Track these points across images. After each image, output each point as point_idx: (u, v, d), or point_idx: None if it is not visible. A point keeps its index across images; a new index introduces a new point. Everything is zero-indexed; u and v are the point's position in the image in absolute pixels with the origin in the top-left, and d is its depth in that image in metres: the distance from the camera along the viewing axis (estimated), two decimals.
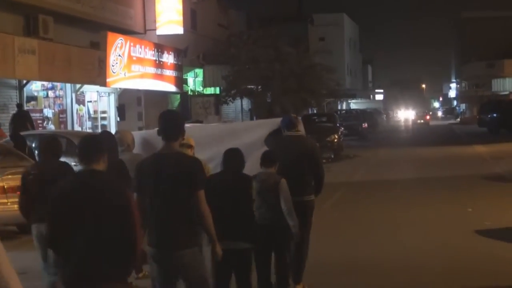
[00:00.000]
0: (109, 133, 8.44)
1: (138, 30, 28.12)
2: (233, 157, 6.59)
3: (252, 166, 7.45)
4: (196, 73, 36.03)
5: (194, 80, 36.42)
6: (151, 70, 25.91)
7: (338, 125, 32.71)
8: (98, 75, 21.36)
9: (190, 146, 7.41)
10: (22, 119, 20.46)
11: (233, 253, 6.26)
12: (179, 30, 29.08)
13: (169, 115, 6.02)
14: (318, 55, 41.43)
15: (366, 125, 45.80)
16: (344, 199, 15.75)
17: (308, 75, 34.74)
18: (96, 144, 4.70)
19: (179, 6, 28.89)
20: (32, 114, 21.72)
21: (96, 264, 4.32)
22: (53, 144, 7.44)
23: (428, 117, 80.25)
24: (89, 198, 4.37)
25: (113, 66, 22.24)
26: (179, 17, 28.94)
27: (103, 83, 21.98)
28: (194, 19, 35.09)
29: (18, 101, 20.72)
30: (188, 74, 35.58)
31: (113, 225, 4.34)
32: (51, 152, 7.28)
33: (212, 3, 38.21)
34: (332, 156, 28.55)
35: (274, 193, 7.08)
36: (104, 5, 24.91)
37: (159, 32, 28.90)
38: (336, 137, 29.94)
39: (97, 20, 24.38)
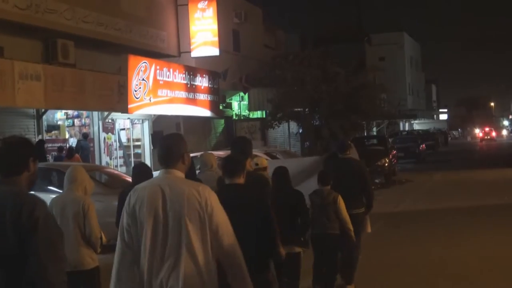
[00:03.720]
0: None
1: (172, 53, 26.74)
2: (284, 176, 7.77)
3: (310, 186, 9.11)
4: (242, 96, 34.47)
5: (239, 104, 34.86)
6: (182, 94, 24.34)
7: (389, 147, 30.57)
8: (118, 101, 19.87)
9: (265, 168, 7.91)
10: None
11: (288, 255, 6.89)
12: (214, 51, 27.53)
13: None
14: (377, 74, 39.42)
15: (424, 146, 43.39)
16: (378, 235, 13.64)
17: (358, 96, 32.65)
18: (238, 163, 5.67)
19: (214, 27, 27.36)
20: (53, 145, 20.61)
21: (250, 258, 4.95)
22: (145, 169, 8.21)
23: (494, 133, 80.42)
24: (240, 205, 5.31)
25: (135, 91, 20.73)
26: (215, 38, 27.39)
27: (124, 110, 20.48)
28: (237, 40, 33.56)
29: (35, 130, 19.58)
30: (233, 97, 34.08)
31: (257, 226, 5.39)
32: (145, 176, 7.57)
33: (257, 24, 36.65)
34: (383, 181, 26.56)
35: (333, 207, 8.43)
36: (131, 28, 23.58)
37: (194, 54, 27.43)
38: (387, 161, 27.93)
39: (125, 44, 23.09)
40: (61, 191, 8.28)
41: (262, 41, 37.26)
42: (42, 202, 3.87)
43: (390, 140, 42.13)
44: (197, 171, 10.04)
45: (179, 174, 4.53)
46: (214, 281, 4.44)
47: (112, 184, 13.59)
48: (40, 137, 20.12)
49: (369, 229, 9.89)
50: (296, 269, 7.64)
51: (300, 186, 8.95)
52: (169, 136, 4.71)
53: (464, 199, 20.06)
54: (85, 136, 21.50)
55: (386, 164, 27.73)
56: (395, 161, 31.81)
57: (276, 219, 6.25)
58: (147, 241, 4.38)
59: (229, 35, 32.28)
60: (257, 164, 7.70)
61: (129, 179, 17.16)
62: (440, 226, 14.85)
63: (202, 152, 12.69)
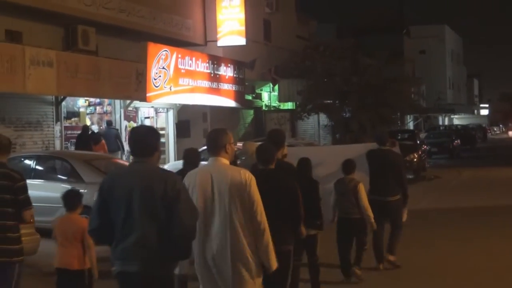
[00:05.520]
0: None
1: (198, 42, 26.43)
2: (306, 165, 8.58)
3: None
4: (273, 87, 34.02)
5: (269, 95, 34.43)
6: (205, 83, 24.00)
7: (419, 142, 29.90)
8: (136, 89, 19.61)
9: (285, 155, 8.35)
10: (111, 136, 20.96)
11: (306, 237, 7.85)
12: (241, 41, 27.13)
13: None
14: (414, 67, 38.45)
15: (458, 142, 42.48)
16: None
17: (388, 89, 31.86)
18: (271, 152, 6.56)
19: (241, 16, 26.96)
20: (72, 132, 20.49)
21: (278, 233, 5.91)
22: (192, 154, 9.02)
23: None
24: (273, 187, 6.17)
25: (155, 79, 20.46)
26: (241, 27, 26.99)
27: (143, 98, 20.24)
28: (268, 30, 33.14)
29: (54, 117, 19.47)
30: (263, 88, 33.68)
31: (285, 205, 6.20)
32: (191, 161, 8.76)
33: (289, 14, 36.15)
34: (410, 177, 25.93)
35: (354, 194, 9.34)
36: (155, 15, 23.31)
37: (220, 43, 27.08)
38: (416, 156, 27.29)
39: (148, 31, 22.82)
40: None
41: (294, 32, 36.73)
42: (179, 176, 5.27)
43: (423, 135, 41.42)
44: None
45: (224, 161, 5.63)
46: (253, 245, 5.52)
47: None
48: (84, 124, 20.64)
49: (405, 218, 10.53)
50: (313, 248, 8.54)
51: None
52: (214, 130, 5.84)
53: (488, 198, 19.39)
54: (109, 123, 21.71)
55: (415, 160, 27.11)
56: (425, 156, 31.12)
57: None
58: (200, 217, 5.24)
59: (260, 24, 31.90)
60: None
61: None
62: (450, 228, 14.30)
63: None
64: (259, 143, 8.99)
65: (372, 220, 9.40)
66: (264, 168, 6.46)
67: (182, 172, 8.62)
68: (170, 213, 4.79)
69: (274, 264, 5.65)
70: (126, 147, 22.51)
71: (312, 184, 8.44)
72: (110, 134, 21.11)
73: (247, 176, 5.52)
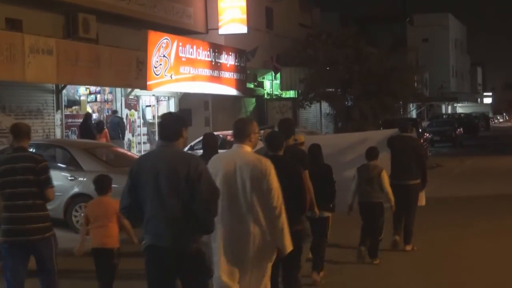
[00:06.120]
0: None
1: (199, 30, 26.33)
2: (317, 152, 9.02)
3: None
4: (274, 75, 33.90)
5: (271, 83, 34.33)
6: (206, 72, 23.90)
7: (421, 131, 29.82)
8: (137, 78, 19.53)
9: (302, 143, 8.89)
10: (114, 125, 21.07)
11: (319, 219, 8.56)
12: (242, 29, 27.04)
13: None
14: (418, 56, 38.33)
15: (461, 130, 42.36)
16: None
17: (391, 77, 31.72)
18: (279, 140, 6.90)
19: (243, 3, 26.85)
20: (73, 120, 20.47)
21: (288, 214, 6.09)
22: (211, 139, 9.15)
23: None
24: (280, 171, 6.19)
25: (155, 67, 20.38)
26: (243, 15, 26.88)
27: (143, 86, 20.17)
28: (270, 18, 33.00)
29: (54, 105, 19.41)
30: (266, 76, 33.58)
31: (293, 187, 6.45)
32: (211, 145, 8.85)
33: (292, 2, 35.99)
34: None
35: (377, 180, 9.80)
36: (156, 3, 23.21)
37: (221, 31, 26.98)
38: None
39: (149, 19, 22.74)
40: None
41: (296, 20, 36.56)
42: (201, 158, 5.68)
43: (426, 123, 41.30)
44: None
45: (248, 148, 6.12)
46: (268, 227, 5.95)
47: (115, 163, 13.27)
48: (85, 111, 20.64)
49: (423, 202, 11.06)
50: (324, 229, 8.89)
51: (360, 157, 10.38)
52: (240, 120, 6.47)
53: (490, 187, 19.34)
54: (114, 112, 21.83)
55: None
56: (427, 145, 31.06)
57: (312, 186, 7.78)
58: (223, 200, 5.73)
59: (262, 12, 31.76)
60: (296, 140, 8.63)
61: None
62: (451, 217, 14.26)
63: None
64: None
65: (393, 204, 9.88)
66: (273, 154, 6.76)
67: (202, 157, 8.78)
68: (193, 192, 5.18)
69: (289, 247, 6.05)
70: (127, 135, 22.58)
71: (325, 169, 8.93)
72: (113, 122, 21.18)
73: (268, 164, 6.00)
